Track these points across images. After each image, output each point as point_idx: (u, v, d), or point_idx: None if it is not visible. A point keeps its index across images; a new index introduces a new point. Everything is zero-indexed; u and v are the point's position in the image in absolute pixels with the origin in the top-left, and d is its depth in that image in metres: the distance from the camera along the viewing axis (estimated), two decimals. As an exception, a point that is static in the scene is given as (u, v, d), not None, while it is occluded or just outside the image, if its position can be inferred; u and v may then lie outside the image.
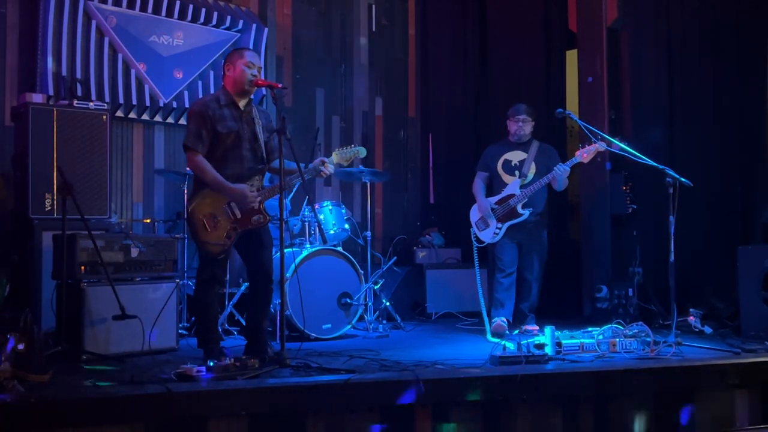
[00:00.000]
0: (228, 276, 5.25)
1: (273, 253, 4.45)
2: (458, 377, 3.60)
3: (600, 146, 5.16)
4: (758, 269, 4.84)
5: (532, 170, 5.50)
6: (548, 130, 6.41)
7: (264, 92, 6.49)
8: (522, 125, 5.56)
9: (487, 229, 5.51)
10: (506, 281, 5.51)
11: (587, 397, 3.71)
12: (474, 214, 5.63)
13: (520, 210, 5.41)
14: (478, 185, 5.67)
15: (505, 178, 5.57)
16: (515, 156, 5.59)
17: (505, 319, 5.43)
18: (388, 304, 5.85)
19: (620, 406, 3.75)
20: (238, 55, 4.24)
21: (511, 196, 5.44)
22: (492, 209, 5.48)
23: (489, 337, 5.14)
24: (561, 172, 5.28)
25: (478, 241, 5.53)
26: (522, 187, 5.44)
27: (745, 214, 5.75)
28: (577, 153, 5.26)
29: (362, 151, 4.62)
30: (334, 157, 4.47)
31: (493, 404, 3.57)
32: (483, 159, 5.74)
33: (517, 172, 5.54)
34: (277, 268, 4.24)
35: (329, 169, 4.36)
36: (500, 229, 5.46)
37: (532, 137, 5.63)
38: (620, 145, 4.94)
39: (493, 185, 5.63)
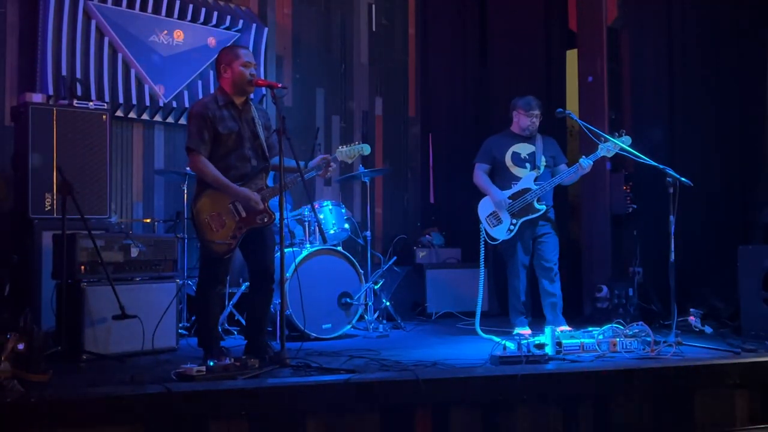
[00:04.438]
0: (228, 276, 5.24)
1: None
2: (458, 377, 3.59)
3: (626, 141, 4.90)
4: (758, 269, 4.84)
5: (543, 163, 5.23)
6: (548, 130, 6.40)
7: (264, 92, 6.49)
8: (535, 120, 5.28)
9: (499, 225, 5.17)
10: (522, 286, 5.25)
11: (587, 397, 3.71)
12: (485, 209, 5.24)
13: (537, 205, 5.13)
14: (485, 177, 5.31)
15: (516, 170, 5.25)
16: (524, 149, 5.29)
17: (529, 330, 5.17)
18: (388, 303, 5.85)
19: (620, 406, 3.74)
20: (234, 56, 4.19)
21: (527, 190, 5.14)
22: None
23: (480, 333, 5.12)
24: (586, 167, 5.03)
25: (491, 238, 5.19)
26: (536, 180, 5.16)
27: (745, 214, 5.75)
28: (601, 146, 4.98)
29: (366, 149, 4.60)
30: (338, 154, 4.48)
31: (493, 404, 3.57)
32: (485, 150, 5.39)
33: (528, 165, 5.24)
34: (277, 268, 4.24)
35: (332, 170, 4.40)
36: (515, 225, 5.13)
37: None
38: (621, 145, 4.94)
39: (498, 179, 5.30)
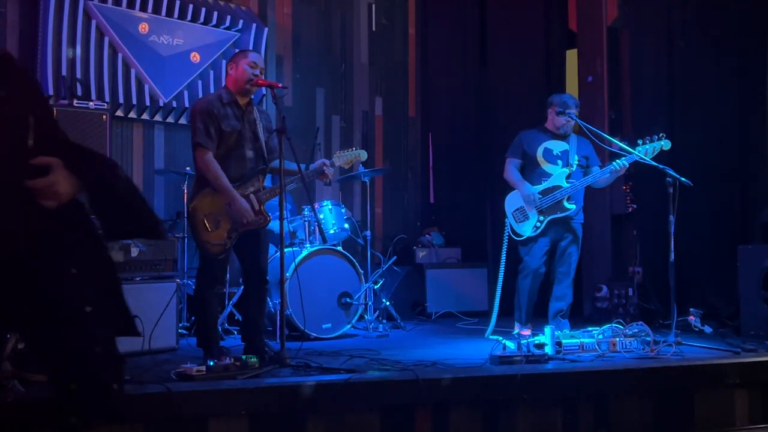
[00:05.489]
0: (228, 275, 5.24)
1: (271, 253, 4.45)
2: (458, 377, 3.59)
3: (666, 145, 4.79)
4: (758, 269, 4.84)
5: (576, 162, 5.06)
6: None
7: (264, 92, 6.49)
8: (572, 121, 5.08)
9: (526, 222, 5.01)
10: (533, 286, 5.10)
11: (587, 397, 3.71)
12: (512, 203, 5.10)
13: (566, 204, 4.95)
14: (516, 173, 5.13)
15: (547, 167, 5.06)
16: (557, 146, 5.11)
17: (530, 330, 5.05)
18: (388, 303, 5.85)
19: (620, 406, 3.75)
20: (242, 55, 4.28)
21: (558, 187, 4.96)
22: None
23: (488, 336, 5.12)
24: (621, 168, 4.83)
25: (516, 234, 5.04)
26: (568, 178, 5.00)
27: (745, 214, 5.75)
28: (638, 148, 4.80)
29: (363, 155, 4.67)
30: (336, 159, 4.52)
31: (493, 404, 3.57)
32: (517, 145, 5.20)
33: (560, 162, 5.06)
34: (274, 268, 4.24)
35: (331, 173, 4.42)
36: (542, 222, 4.96)
37: None
38: (620, 144, 4.93)
39: (528, 174, 5.12)
